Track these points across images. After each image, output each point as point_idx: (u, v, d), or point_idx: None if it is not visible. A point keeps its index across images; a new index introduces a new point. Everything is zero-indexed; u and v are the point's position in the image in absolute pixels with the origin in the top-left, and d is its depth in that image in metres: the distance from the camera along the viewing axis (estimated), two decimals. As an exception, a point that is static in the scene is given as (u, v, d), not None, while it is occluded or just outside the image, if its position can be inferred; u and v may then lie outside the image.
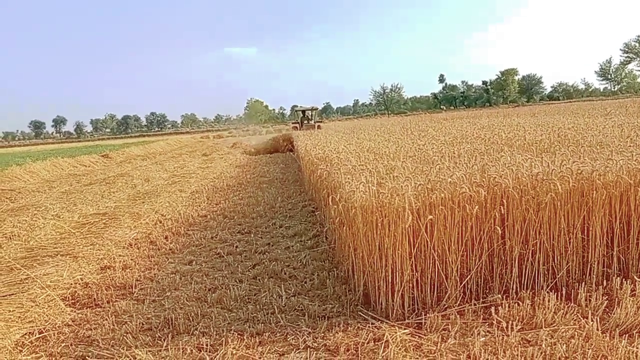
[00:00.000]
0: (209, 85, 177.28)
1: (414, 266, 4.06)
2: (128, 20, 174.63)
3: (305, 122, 30.90)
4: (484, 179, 4.28)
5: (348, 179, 4.72)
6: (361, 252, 4.29)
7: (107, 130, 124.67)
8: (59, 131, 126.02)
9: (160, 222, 8.45)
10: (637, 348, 3.21)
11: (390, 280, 4.02)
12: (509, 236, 4.19)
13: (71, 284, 5.26)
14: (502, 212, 4.13)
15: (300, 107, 34.06)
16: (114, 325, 4.30)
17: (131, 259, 6.29)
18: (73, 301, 4.99)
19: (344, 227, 4.67)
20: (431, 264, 4.08)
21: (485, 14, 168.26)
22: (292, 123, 35.94)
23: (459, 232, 4.10)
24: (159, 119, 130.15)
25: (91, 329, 4.26)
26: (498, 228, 4.07)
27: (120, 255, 6.44)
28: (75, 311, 4.73)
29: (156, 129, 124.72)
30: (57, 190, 13.47)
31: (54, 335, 4.17)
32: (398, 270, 3.99)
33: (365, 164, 5.76)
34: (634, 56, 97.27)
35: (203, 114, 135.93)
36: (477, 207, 4.01)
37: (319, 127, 26.52)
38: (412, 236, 4.01)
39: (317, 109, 35.21)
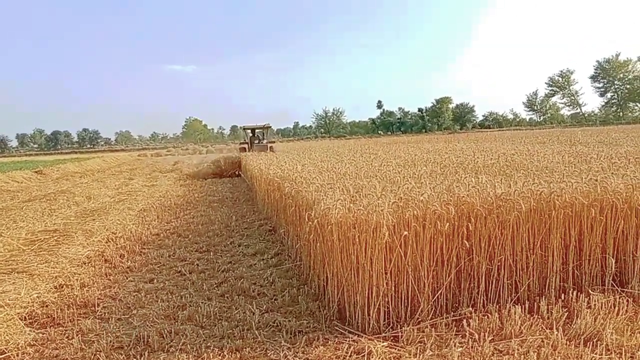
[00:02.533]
0: (145, 102, 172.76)
1: (389, 281, 4.19)
2: (60, 33, 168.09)
3: (256, 142, 26.70)
4: (451, 198, 4.51)
5: (321, 196, 4.82)
6: (336, 268, 4.38)
7: (35, 145, 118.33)
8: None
9: (113, 240, 8.17)
10: (600, 355, 3.49)
11: (366, 295, 4.13)
12: (476, 252, 4.42)
13: (29, 303, 5.01)
14: (470, 229, 4.36)
15: (249, 125, 28.46)
16: (81, 344, 4.13)
17: (88, 277, 6.06)
18: (31, 320, 4.75)
19: (318, 244, 4.75)
20: (405, 279, 4.24)
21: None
22: (240, 144, 29.68)
23: (431, 248, 4.29)
24: (91, 135, 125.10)
25: (57, 349, 4.08)
26: (466, 242, 4.30)
27: (76, 273, 6.18)
28: (35, 331, 4.50)
29: (88, 145, 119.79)
30: (-8, 206, 12.71)
31: (17, 355, 3.96)
32: (374, 285, 4.12)
33: (332, 183, 5.89)
34: (558, 89, 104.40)
35: (138, 132, 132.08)
36: (447, 224, 4.22)
37: (271, 148, 22.91)
38: (387, 251, 4.16)
39: (270, 127, 29.56)
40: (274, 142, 29.67)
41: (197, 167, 24.48)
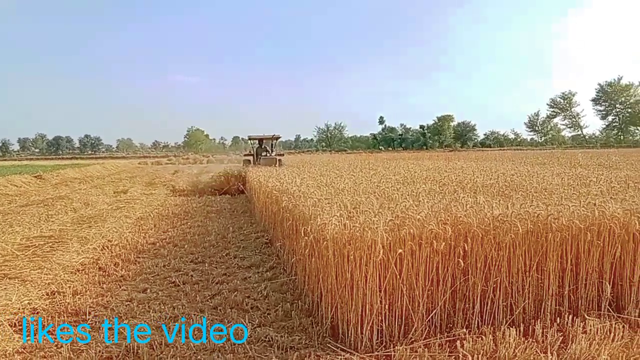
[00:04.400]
0: (148, 110, 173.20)
1: (383, 299, 4.16)
2: (64, 39, 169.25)
3: (263, 154, 22.85)
4: (449, 217, 4.49)
5: (318, 211, 4.80)
6: (330, 284, 4.35)
7: (36, 150, 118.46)
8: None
9: (108, 248, 8.13)
10: (594, 381, 3.44)
11: (359, 312, 4.10)
12: (472, 272, 4.40)
13: (19, 309, 4.96)
14: (466, 250, 4.34)
15: (255, 135, 24.51)
16: (70, 353, 4.09)
17: (81, 285, 6.01)
18: (21, 327, 4.70)
19: (313, 259, 4.73)
20: (399, 297, 4.21)
21: (427, 64, 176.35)
22: (244, 155, 26.63)
23: (426, 267, 4.26)
24: (93, 141, 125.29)
25: (46, 357, 4.03)
26: (462, 262, 4.27)
27: (69, 281, 6.14)
28: (24, 338, 4.45)
29: (89, 152, 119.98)
30: (-11, 210, 12.67)
31: (5, 362, 3.92)
32: (368, 303, 4.08)
33: (330, 198, 5.87)
34: (559, 111, 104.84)
35: (140, 139, 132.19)
36: (443, 243, 4.20)
37: (279, 162, 19.64)
38: (382, 269, 4.13)
39: (279, 137, 25.46)
40: (283, 154, 25.76)
41: (196, 178, 23.05)
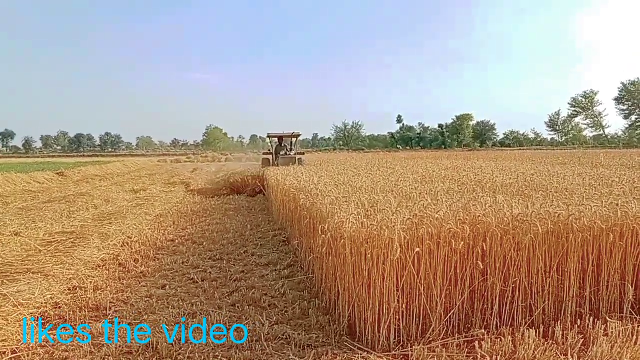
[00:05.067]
0: (168, 109, 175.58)
1: (400, 298, 4.15)
2: (86, 39, 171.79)
3: (282, 153, 21.60)
4: (467, 217, 4.45)
5: (336, 209, 4.80)
6: (348, 283, 4.35)
7: (58, 147, 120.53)
8: (5, 145, 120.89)
9: (128, 244, 8.25)
10: (616, 385, 3.39)
11: (377, 311, 4.09)
12: (491, 273, 4.35)
13: (42, 304, 5.06)
14: (485, 250, 4.29)
15: (275, 133, 23.15)
16: (91, 347, 4.16)
17: (102, 281, 6.11)
18: (44, 321, 4.80)
19: (330, 257, 4.73)
20: (417, 297, 4.19)
21: (444, 62, 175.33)
22: (264, 154, 24.87)
23: (444, 267, 4.23)
24: (113, 139, 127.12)
25: (67, 351, 4.10)
26: (480, 263, 4.23)
27: (90, 276, 6.24)
28: (47, 332, 4.53)
29: (110, 149, 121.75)
30: (14, 206, 12.94)
31: (27, 355, 3.99)
32: (385, 302, 4.07)
33: (348, 196, 5.87)
34: (581, 110, 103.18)
35: (159, 138, 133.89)
36: (462, 243, 4.16)
37: (300, 161, 18.95)
38: (399, 268, 4.12)
39: (300, 135, 23.94)
40: (303, 153, 24.09)
41: (216, 176, 23.04)
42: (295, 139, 23.82)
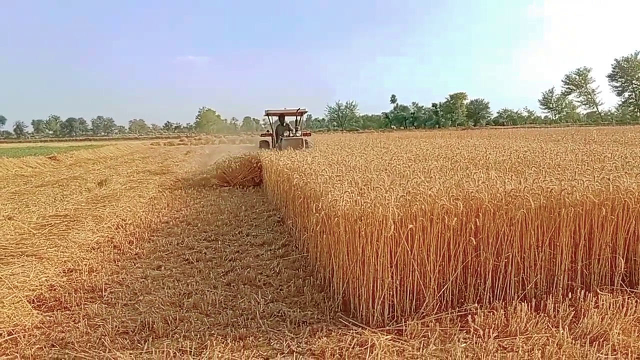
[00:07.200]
0: (159, 92, 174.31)
1: (394, 274, 4.18)
2: (77, 21, 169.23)
3: (286, 133, 17.72)
4: (460, 193, 4.46)
5: (329, 188, 4.80)
6: (342, 260, 4.37)
7: (50, 132, 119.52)
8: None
9: (122, 227, 8.24)
10: (606, 355, 3.45)
11: (371, 288, 4.12)
12: (483, 248, 4.39)
13: (37, 286, 5.06)
14: (477, 225, 4.32)
15: (275, 110, 19.17)
16: (87, 328, 4.17)
17: (97, 263, 6.11)
18: (39, 303, 4.81)
19: (324, 235, 4.75)
20: (410, 273, 4.22)
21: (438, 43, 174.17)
22: (262, 135, 21.10)
23: (437, 243, 4.26)
24: (105, 123, 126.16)
25: (64, 332, 4.11)
26: (473, 239, 4.26)
27: (85, 258, 6.24)
28: (42, 314, 4.54)
29: (102, 133, 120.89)
30: (6, 190, 12.89)
31: (24, 337, 4.00)
32: (379, 278, 4.10)
33: (341, 175, 5.88)
34: (574, 88, 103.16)
35: (152, 121, 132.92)
36: (455, 219, 4.18)
37: (306, 143, 16.03)
38: (393, 245, 4.14)
39: (305, 112, 20.00)
40: (309, 134, 20.53)
41: (209, 158, 22.12)
42: (300, 117, 19.96)
